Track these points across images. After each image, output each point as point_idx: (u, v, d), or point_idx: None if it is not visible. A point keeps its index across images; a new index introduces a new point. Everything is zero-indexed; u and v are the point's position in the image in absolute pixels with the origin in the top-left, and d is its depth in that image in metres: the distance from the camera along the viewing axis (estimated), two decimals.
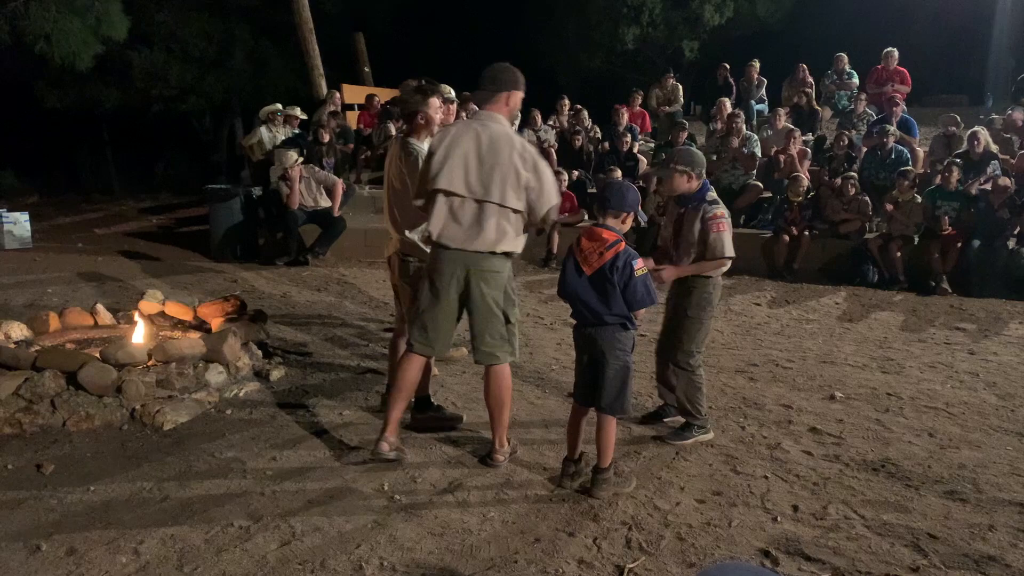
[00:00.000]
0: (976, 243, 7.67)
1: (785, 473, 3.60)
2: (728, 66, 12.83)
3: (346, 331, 6.04)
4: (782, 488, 3.44)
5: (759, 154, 9.72)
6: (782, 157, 9.42)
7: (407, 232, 3.89)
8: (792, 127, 9.97)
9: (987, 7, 15.07)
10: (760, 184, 9.33)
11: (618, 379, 3.27)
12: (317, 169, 9.30)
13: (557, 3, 16.87)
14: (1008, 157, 8.83)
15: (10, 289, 7.15)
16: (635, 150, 10.32)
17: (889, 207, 8.24)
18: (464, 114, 6.53)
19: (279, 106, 10.43)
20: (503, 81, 3.41)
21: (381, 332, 5.99)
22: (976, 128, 8.99)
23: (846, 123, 10.45)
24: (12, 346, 4.46)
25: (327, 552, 2.86)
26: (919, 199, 8.15)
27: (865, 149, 9.54)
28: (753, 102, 12.01)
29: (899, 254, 7.87)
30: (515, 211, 3.36)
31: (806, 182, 8.81)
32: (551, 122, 11.49)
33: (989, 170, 8.46)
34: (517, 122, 11.12)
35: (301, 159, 9.09)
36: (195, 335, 4.91)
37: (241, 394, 4.46)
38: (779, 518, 3.17)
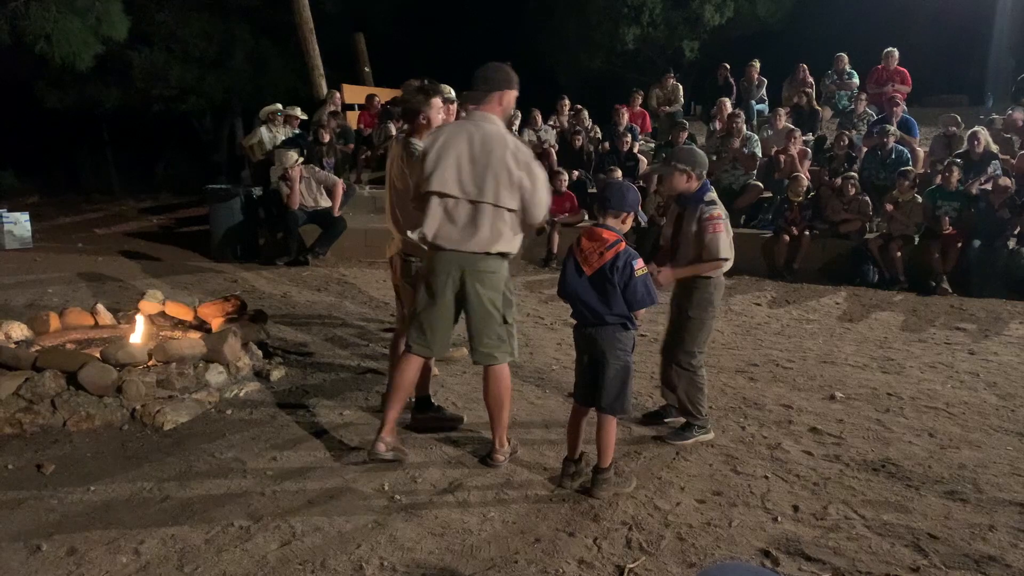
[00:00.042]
0: (976, 243, 7.67)
1: (785, 473, 3.60)
2: (728, 66, 12.83)
3: (346, 331, 6.04)
4: (782, 488, 3.44)
5: (759, 154, 9.72)
6: (782, 157, 9.42)
7: (409, 232, 3.89)
8: (792, 127, 9.97)
9: (987, 7, 15.07)
10: (760, 184, 9.33)
11: (618, 379, 3.27)
12: (317, 169, 9.30)
13: (557, 3, 16.86)
14: (1008, 157, 8.83)
15: (10, 289, 7.15)
16: (635, 150, 10.32)
17: (889, 207, 8.24)
18: (464, 114, 6.52)
19: (279, 106, 10.43)
20: (495, 81, 3.40)
21: (381, 332, 5.99)
22: (976, 128, 8.99)
23: (846, 123, 10.45)
24: (12, 346, 4.46)
25: (327, 552, 2.86)
26: (919, 199, 8.15)
27: (865, 149, 9.54)
28: (753, 102, 12.01)
29: (899, 254, 7.87)
30: (510, 211, 3.36)
31: (806, 182, 8.81)
32: (551, 122, 11.49)
33: (990, 170, 8.46)
34: (518, 122, 11.17)
35: (301, 159, 9.09)
36: (195, 335, 4.91)
37: (241, 394, 4.46)
38: (779, 518, 3.17)
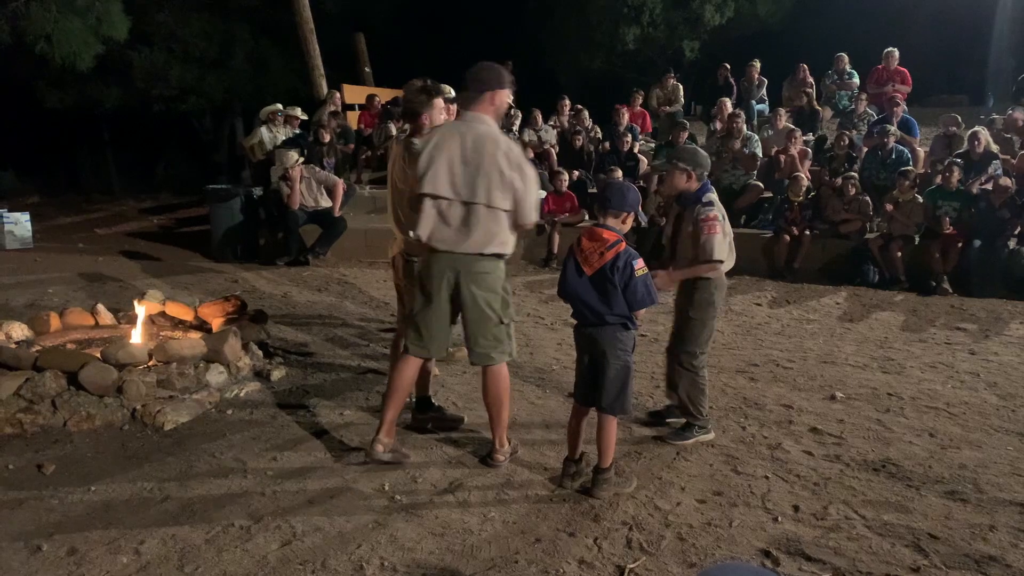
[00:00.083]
0: (977, 243, 7.67)
1: (786, 473, 3.60)
2: (729, 66, 12.82)
3: (347, 331, 6.04)
4: (783, 488, 3.45)
5: (760, 154, 9.71)
6: (783, 157, 9.42)
7: (411, 232, 3.89)
8: (793, 127, 9.97)
9: (988, 7, 15.06)
10: (761, 184, 9.33)
11: (619, 379, 3.27)
12: (318, 169, 9.30)
13: (557, 3, 16.85)
14: (1009, 157, 8.83)
15: (11, 289, 7.15)
16: (636, 150, 10.32)
17: (889, 207, 8.24)
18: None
19: (279, 106, 10.44)
20: (486, 81, 3.39)
21: (381, 332, 5.99)
22: (977, 128, 8.98)
23: (847, 123, 10.44)
24: (13, 346, 4.47)
25: (328, 552, 2.86)
26: (920, 199, 8.15)
27: (866, 149, 9.54)
28: (754, 102, 12.01)
29: (900, 254, 7.87)
30: (504, 211, 3.35)
31: (806, 182, 8.81)
32: (552, 122, 11.49)
33: (991, 170, 8.45)
34: (518, 122, 11.17)
35: (302, 159, 9.09)
36: (196, 335, 4.91)
37: (242, 394, 4.46)
38: (780, 518, 3.17)
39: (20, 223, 9.73)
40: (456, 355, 5.00)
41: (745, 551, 2.92)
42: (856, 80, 11.57)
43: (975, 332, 6.30)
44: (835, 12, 15.95)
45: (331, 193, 9.07)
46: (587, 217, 9.06)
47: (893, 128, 9.26)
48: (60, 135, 16.20)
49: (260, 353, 5.03)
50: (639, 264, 3.20)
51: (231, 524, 3.04)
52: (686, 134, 9.75)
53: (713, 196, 3.82)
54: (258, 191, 9.63)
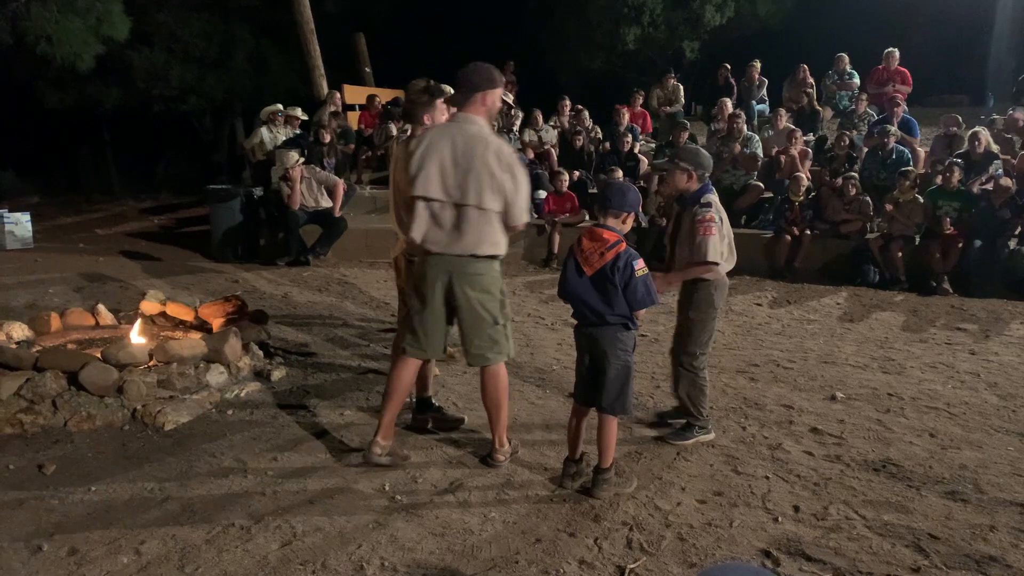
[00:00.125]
0: (977, 243, 7.67)
1: (786, 473, 3.60)
2: (729, 66, 12.82)
3: (347, 331, 6.04)
4: (783, 488, 3.45)
5: (761, 154, 9.71)
6: (783, 157, 9.42)
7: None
8: (793, 127, 9.97)
9: (988, 7, 15.05)
10: (761, 184, 9.33)
11: (619, 379, 3.27)
12: (318, 169, 9.30)
13: (557, 3, 16.84)
14: (1009, 157, 8.82)
15: (11, 289, 7.15)
16: (636, 150, 10.33)
17: (890, 207, 8.24)
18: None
19: (280, 106, 10.44)
20: (477, 81, 3.37)
21: (381, 332, 5.99)
22: (977, 128, 8.98)
23: (847, 123, 10.44)
24: (14, 346, 4.47)
25: (328, 552, 2.86)
26: (920, 199, 8.15)
27: (866, 149, 9.54)
28: (754, 102, 12.01)
29: (900, 254, 7.87)
30: (496, 213, 3.34)
31: (807, 182, 8.81)
32: (552, 122, 11.49)
33: (991, 169, 8.44)
34: (518, 122, 11.17)
35: (302, 159, 9.09)
36: (196, 335, 4.91)
37: (242, 394, 4.46)
38: (780, 518, 3.17)
39: (21, 223, 9.73)
40: (456, 355, 5.00)
41: (745, 551, 2.92)
42: (856, 80, 11.57)
43: (975, 332, 6.30)
44: (835, 12, 15.94)
45: (331, 193, 9.07)
46: (587, 217, 9.07)
47: (893, 128, 9.26)
48: (60, 135, 16.19)
49: (260, 353, 5.03)
50: (639, 264, 3.20)
51: (231, 524, 3.05)
52: (686, 134, 9.75)
53: (712, 197, 3.79)
54: (258, 191, 9.63)
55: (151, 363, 4.39)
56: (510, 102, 11.50)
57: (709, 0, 15.25)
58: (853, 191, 8.49)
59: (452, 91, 4.32)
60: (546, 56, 17.17)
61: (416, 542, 2.94)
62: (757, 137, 10.00)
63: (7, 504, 3.19)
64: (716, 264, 3.72)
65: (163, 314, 5.36)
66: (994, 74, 14.96)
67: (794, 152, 9.34)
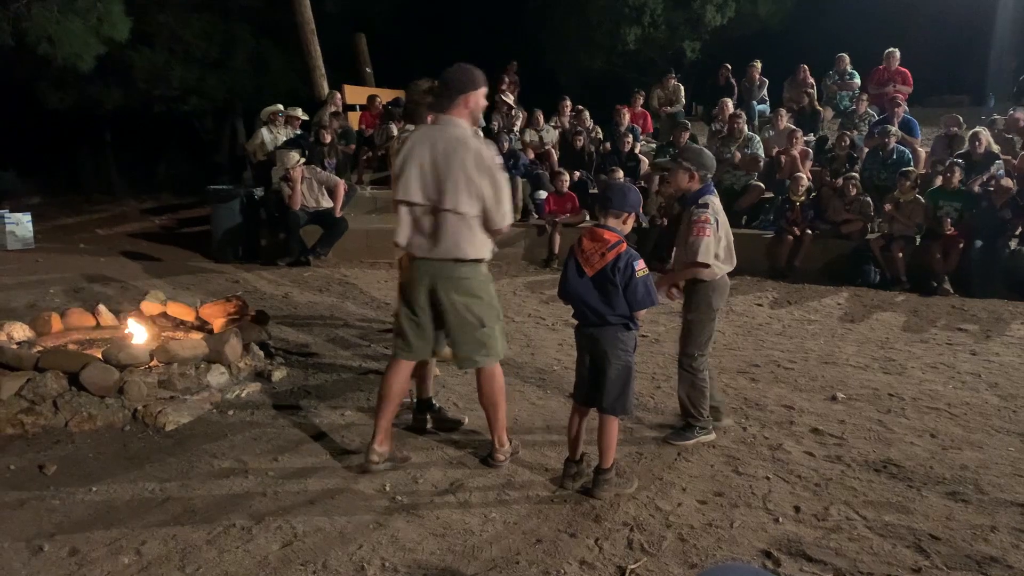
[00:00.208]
0: (978, 244, 7.66)
1: (787, 474, 3.60)
2: (730, 66, 12.82)
3: (348, 332, 6.04)
4: (784, 489, 3.44)
5: (762, 155, 9.71)
6: (784, 157, 9.42)
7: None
8: (794, 127, 9.96)
9: (989, 7, 15.05)
10: (762, 184, 9.33)
11: (620, 379, 3.27)
12: (319, 170, 9.30)
13: (558, 3, 16.83)
14: (1010, 157, 8.82)
15: (12, 290, 7.15)
16: (637, 150, 10.32)
17: (890, 208, 8.24)
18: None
19: (280, 107, 10.43)
20: (460, 83, 3.35)
21: (382, 333, 5.99)
22: (978, 128, 8.98)
23: (848, 123, 10.44)
24: (14, 347, 4.47)
25: (329, 552, 2.86)
26: (921, 200, 8.14)
27: (867, 149, 9.53)
28: (755, 102, 12.01)
29: (900, 255, 7.87)
30: (475, 216, 3.31)
31: (807, 182, 8.81)
32: (553, 122, 11.50)
33: (993, 169, 8.43)
34: (519, 123, 11.16)
35: (303, 160, 9.10)
36: (197, 336, 4.92)
37: (243, 395, 4.46)
38: (781, 519, 3.17)
39: (22, 224, 9.74)
40: (449, 355, 5.00)
41: (746, 552, 2.92)
42: (857, 80, 11.56)
43: (976, 333, 6.30)
44: (836, 12, 15.93)
45: (332, 194, 9.07)
46: (588, 217, 9.06)
47: (894, 128, 9.25)
48: (61, 136, 16.19)
49: (261, 354, 5.03)
50: (640, 265, 3.20)
51: (232, 524, 3.05)
52: (687, 134, 9.75)
53: (711, 198, 3.77)
54: (259, 192, 9.63)
55: (152, 363, 4.39)
56: (510, 103, 11.54)
57: (710, 0, 15.25)
58: (854, 191, 8.48)
59: None
60: (546, 56, 17.17)
61: (417, 542, 2.94)
62: (758, 137, 10.00)
63: (8, 504, 3.20)
64: (707, 265, 3.71)
65: (164, 314, 5.36)
66: (995, 74, 14.96)
67: (795, 152, 9.34)
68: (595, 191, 9.63)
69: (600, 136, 11.19)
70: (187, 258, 9.43)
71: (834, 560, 2.85)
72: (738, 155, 9.48)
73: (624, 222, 3.32)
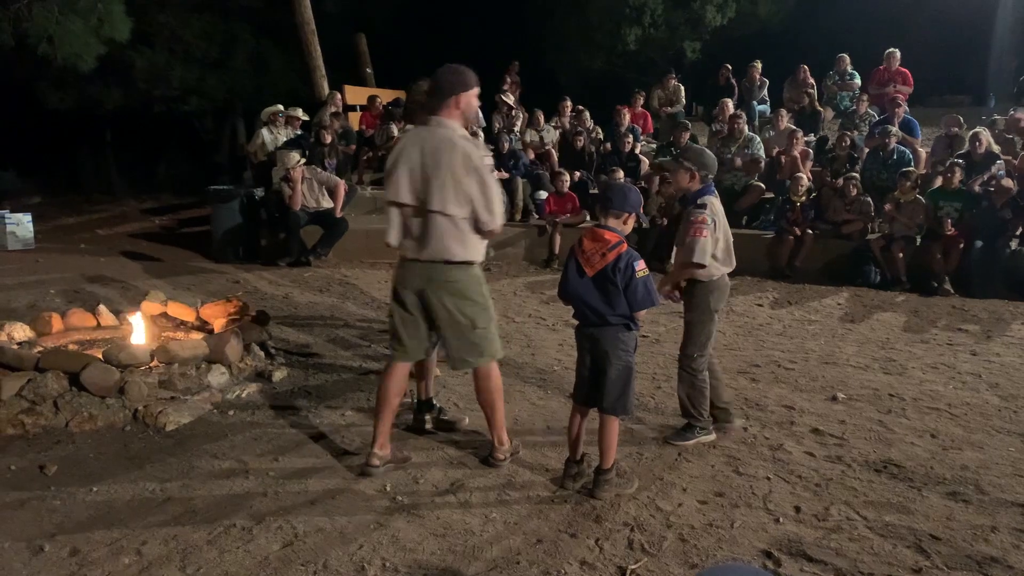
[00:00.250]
0: (978, 244, 7.66)
1: (787, 474, 3.60)
2: (730, 67, 12.81)
3: (348, 332, 6.04)
4: (784, 489, 3.44)
5: (762, 155, 9.70)
6: (784, 158, 9.42)
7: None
8: (794, 128, 9.95)
9: (989, 7, 15.05)
10: (762, 185, 9.33)
11: (621, 380, 3.27)
12: (319, 170, 9.30)
13: (558, 3, 16.83)
14: (1010, 158, 8.81)
15: (13, 290, 7.16)
16: (637, 151, 10.32)
17: (890, 208, 8.23)
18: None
19: (281, 107, 10.43)
20: (450, 84, 3.34)
21: (382, 333, 5.99)
22: (978, 129, 8.97)
23: (848, 124, 10.43)
24: (15, 347, 4.47)
25: (329, 553, 2.86)
26: (921, 200, 8.14)
27: (867, 150, 9.53)
28: (755, 103, 12.01)
29: (901, 255, 7.87)
30: (463, 218, 3.30)
31: (808, 183, 8.80)
32: (553, 123, 11.50)
33: (993, 168, 8.43)
34: (519, 123, 11.16)
35: (303, 160, 9.10)
36: (198, 336, 4.92)
37: (243, 395, 4.46)
38: (781, 519, 3.17)
39: (22, 224, 9.75)
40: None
41: (747, 552, 2.92)
42: (857, 81, 11.56)
43: (977, 333, 6.29)
44: (836, 13, 15.93)
45: (332, 194, 9.08)
46: (588, 218, 9.06)
47: (894, 129, 9.25)
48: (62, 136, 16.20)
49: (262, 354, 5.03)
50: (640, 265, 3.20)
51: (233, 525, 3.05)
52: (688, 135, 9.75)
53: (709, 199, 3.76)
54: (259, 192, 9.63)
55: (152, 364, 4.39)
56: (510, 103, 11.54)
57: (710, 0, 15.25)
58: (854, 191, 8.48)
59: None
60: (546, 56, 17.17)
61: (417, 543, 2.94)
62: (758, 138, 9.99)
63: (9, 505, 3.20)
64: (702, 266, 3.70)
65: (164, 314, 5.36)
66: (995, 74, 14.95)
67: (795, 152, 9.33)
68: (595, 191, 9.63)
69: (600, 136, 11.19)
70: (187, 258, 9.43)
71: (834, 560, 2.85)
72: (739, 161, 9.47)
73: (624, 222, 3.32)
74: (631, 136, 10.27)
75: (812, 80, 11.80)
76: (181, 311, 5.38)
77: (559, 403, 4.47)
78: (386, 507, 3.21)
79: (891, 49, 11.20)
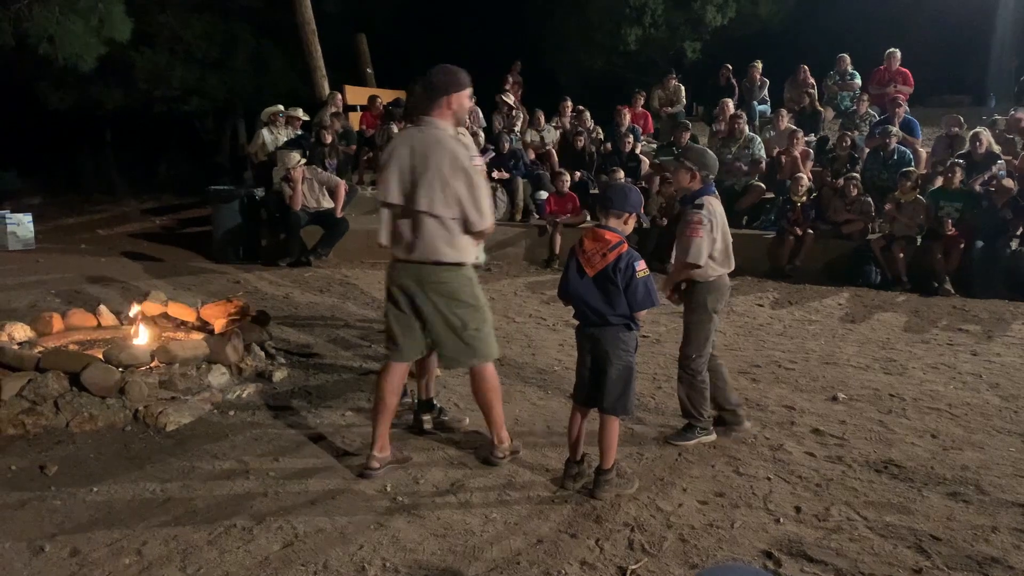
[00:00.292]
0: (979, 244, 7.66)
1: (788, 474, 3.60)
2: (730, 67, 12.81)
3: (348, 332, 6.04)
4: (785, 489, 3.44)
5: (763, 155, 9.70)
6: (785, 158, 9.42)
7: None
8: (795, 128, 9.96)
9: (989, 7, 15.04)
10: (762, 185, 9.33)
11: (621, 380, 3.27)
12: (319, 170, 9.30)
13: (558, 3, 16.83)
14: (1011, 158, 8.81)
15: (13, 290, 7.16)
16: (637, 151, 10.33)
17: (891, 208, 8.23)
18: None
19: (281, 107, 10.44)
20: (442, 85, 3.34)
21: (382, 333, 5.98)
22: (978, 129, 8.97)
23: (849, 124, 10.43)
24: (16, 347, 4.48)
25: (330, 553, 2.86)
26: (922, 200, 8.14)
27: (867, 150, 9.53)
28: (755, 103, 12.01)
29: (901, 255, 7.87)
30: (452, 219, 3.29)
31: (808, 183, 8.80)
32: (554, 123, 11.50)
33: (994, 168, 8.43)
34: (519, 123, 11.15)
35: (303, 160, 9.10)
36: (198, 336, 4.92)
37: (244, 395, 4.46)
38: (782, 519, 3.17)
39: (23, 224, 9.76)
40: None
41: (747, 552, 2.92)
42: (858, 81, 11.55)
43: (977, 333, 6.29)
44: (837, 13, 15.92)
45: (333, 194, 9.08)
46: (589, 218, 9.06)
47: (895, 129, 9.24)
48: (62, 136, 16.22)
49: (262, 354, 5.03)
50: (641, 266, 3.20)
51: (233, 525, 3.05)
52: (688, 135, 9.76)
53: (708, 199, 3.75)
54: (260, 192, 9.63)
55: (153, 364, 4.40)
56: (511, 103, 11.54)
57: (710, 0, 15.24)
58: (855, 192, 8.48)
59: None
60: (547, 56, 17.17)
61: (418, 543, 2.94)
62: (759, 138, 10.00)
63: (9, 505, 3.20)
64: (697, 266, 3.70)
65: (165, 315, 5.36)
66: (996, 74, 14.95)
67: (796, 153, 9.34)
68: (596, 191, 9.63)
69: (601, 136, 11.19)
70: (188, 258, 9.44)
71: (835, 560, 2.85)
72: (743, 167, 9.45)
73: (625, 223, 3.32)
74: (631, 136, 10.28)
75: (812, 80, 11.80)
76: (182, 311, 5.38)
77: (559, 403, 4.47)
78: (386, 507, 3.21)
79: (891, 49, 11.20)
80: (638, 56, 16.46)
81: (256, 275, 8.36)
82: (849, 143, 9.46)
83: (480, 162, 4.21)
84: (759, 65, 12.24)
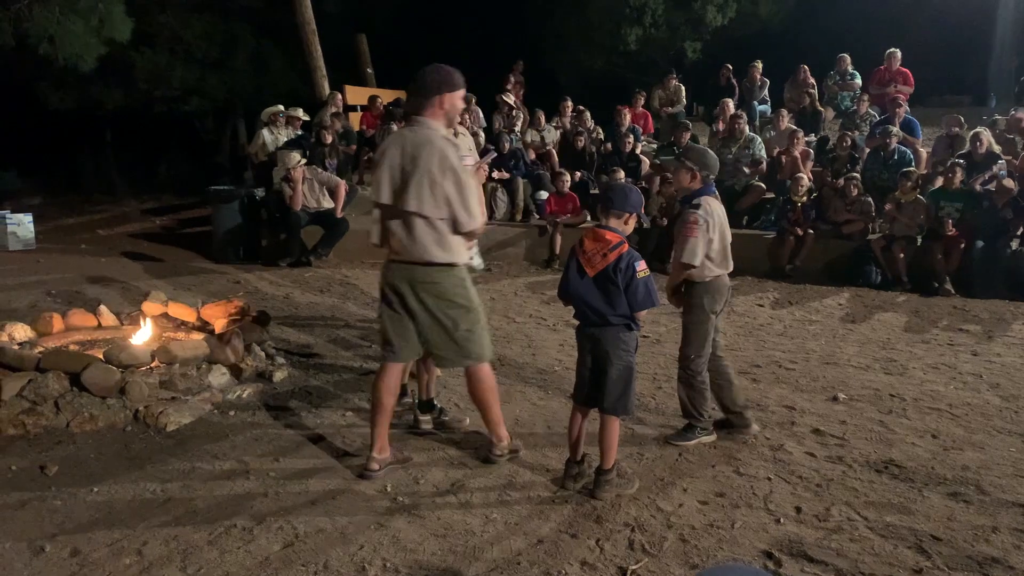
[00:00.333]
0: (979, 244, 7.66)
1: (788, 474, 3.60)
2: (731, 67, 12.81)
3: (349, 332, 6.04)
4: (785, 489, 3.44)
5: (764, 155, 9.70)
6: (785, 158, 9.42)
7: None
8: (795, 128, 9.95)
9: (989, 7, 15.04)
10: (763, 185, 9.33)
11: (622, 380, 3.27)
12: (320, 170, 9.30)
13: (558, 3, 16.83)
14: (1011, 158, 8.81)
15: (14, 290, 7.16)
16: (638, 151, 10.32)
17: (891, 208, 8.23)
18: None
19: (281, 107, 10.44)
20: (434, 84, 3.33)
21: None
22: (979, 129, 8.97)
23: (849, 124, 10.43)
24: (16, 347, 4.47)
25: (330, 553, 2.86)
26: (922, 200, 8.14)
27: (868, 150, 9.53)
28: (756, 103, 12.01)
29: (902, 255, 7.86)
30: (442, 219, 3.29)
31: (808, 183, 8.80)
32: (554, 123, 11.50)
33: (995, 168, 8.43)
34: (520, 123, 11.16)
35: (304, 160, 9.10)
36: (198, 336, 4.92)
37: (244, 395, 4.46)
38: (782, 519, 3.17)
39: (23, 224, 9.76)
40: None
41: (747, 552, 2.92)
42: (858, 81, 11.55)
43: (978, 333, 6.29)
44: (837, 13, 15.92)
45: (333, 194, 9.08)
46: (589, 218, 9.06)
47: (895, 129, 9.24)
48: (62, 136, 16.21)
49: (262, 354, 5.03)
50: (641, 266, 3.20)
51: (233, 525, 3.05)
52: (688, 135, 9.75)
53: (706, 199, 3.75)
54: (260, 192, 9.63)
55: (153, 364, 4.40)
56: (511, 103, 11.54)
57: (711, 1, 15.24)
58: (855, 192, 8.48)
59: None
60: (547, 56, 17.16)
61: (418, 543, 2.94)
62: (759, 138, 9.99)
63: (10, 505, 3.20)
64: (692, 266, 3.70)
65: (165, 315, 5.36)
66: (996, 74, 14.94)
67: (796, 153, 9.33)
68: (596, 191, 9.63)
69: (601, 136, 11.19)
70: (188, 259, 9.44)
71: (835, 561, 2.85)
72: (744, 168, 9.45)
73: (625, 223, 3.32)
74: (632, 136, 10.28)
75: (813, 80, 11.80)
76: (182, 311, 5.38)
77: (559, 403, 4.47)
78: (387, 507, 3.21)
79: (892, 49, 11.20)
80: (638, 56, 16.46)
81: (256, 275, 8.36)
82: (849, 143, 9.46)
83: (471, 162, 4.20)
84: (759, 65, 12.24)
